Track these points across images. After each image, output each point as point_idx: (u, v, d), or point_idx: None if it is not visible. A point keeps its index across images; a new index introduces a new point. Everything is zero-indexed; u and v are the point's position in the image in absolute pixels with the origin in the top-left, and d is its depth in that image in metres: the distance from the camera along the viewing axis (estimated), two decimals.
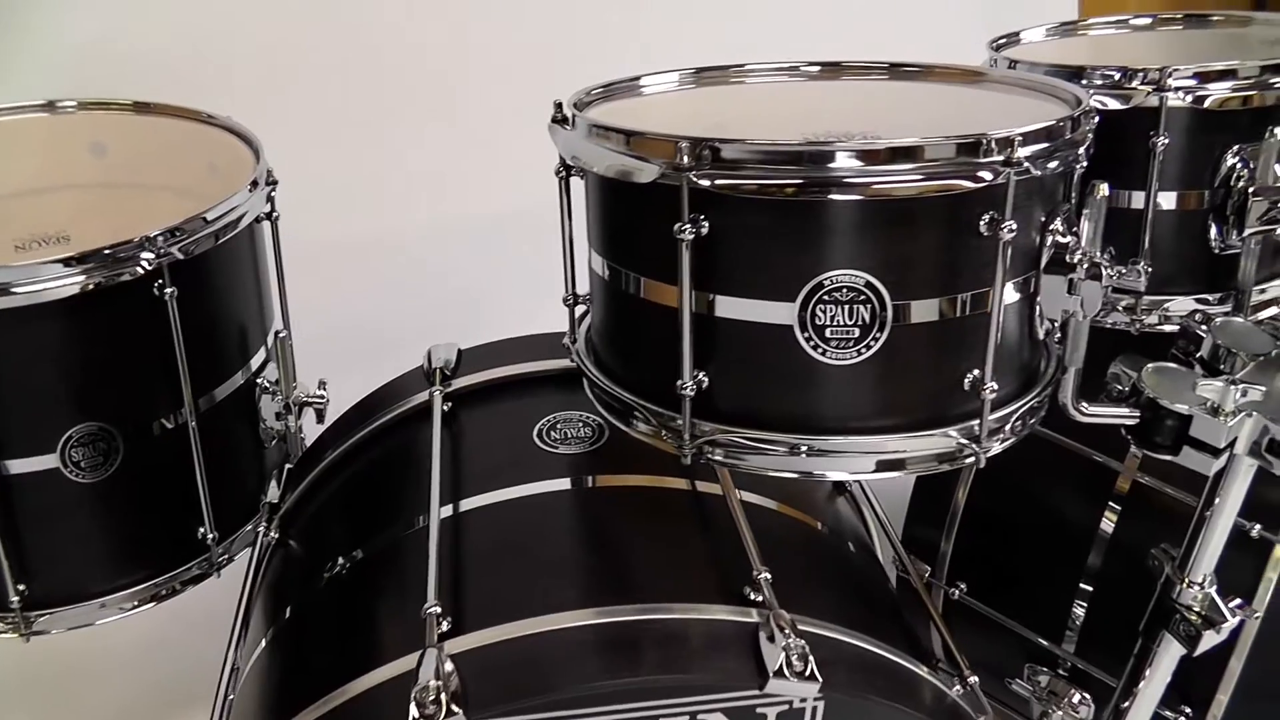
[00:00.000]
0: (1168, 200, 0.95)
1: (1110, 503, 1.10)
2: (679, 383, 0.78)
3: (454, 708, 0.69)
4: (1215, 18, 1.20)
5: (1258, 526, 1.02)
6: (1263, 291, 0.97)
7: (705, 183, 0.72)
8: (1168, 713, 1.06)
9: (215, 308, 1.05)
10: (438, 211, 1.89)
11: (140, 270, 0.93)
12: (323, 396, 1.16)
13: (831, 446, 0.78)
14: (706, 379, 0.78)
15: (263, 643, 0.93)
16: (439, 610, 0.77)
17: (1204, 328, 0.86)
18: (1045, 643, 1.15)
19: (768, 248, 0.75)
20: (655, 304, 0.80)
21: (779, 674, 0.74)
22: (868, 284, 0.74)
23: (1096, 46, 1.19)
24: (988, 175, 0.72)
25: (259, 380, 1.11)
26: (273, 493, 1.05)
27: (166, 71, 1.50)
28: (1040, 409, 0.85)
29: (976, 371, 0.77)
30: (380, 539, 0.93)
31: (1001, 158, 0.72)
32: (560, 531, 0.88)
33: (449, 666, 0.72)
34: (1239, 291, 0.96)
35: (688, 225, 0.74)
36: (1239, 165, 0.93)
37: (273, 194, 1.10)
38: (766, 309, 0.75)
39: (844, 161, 0.71)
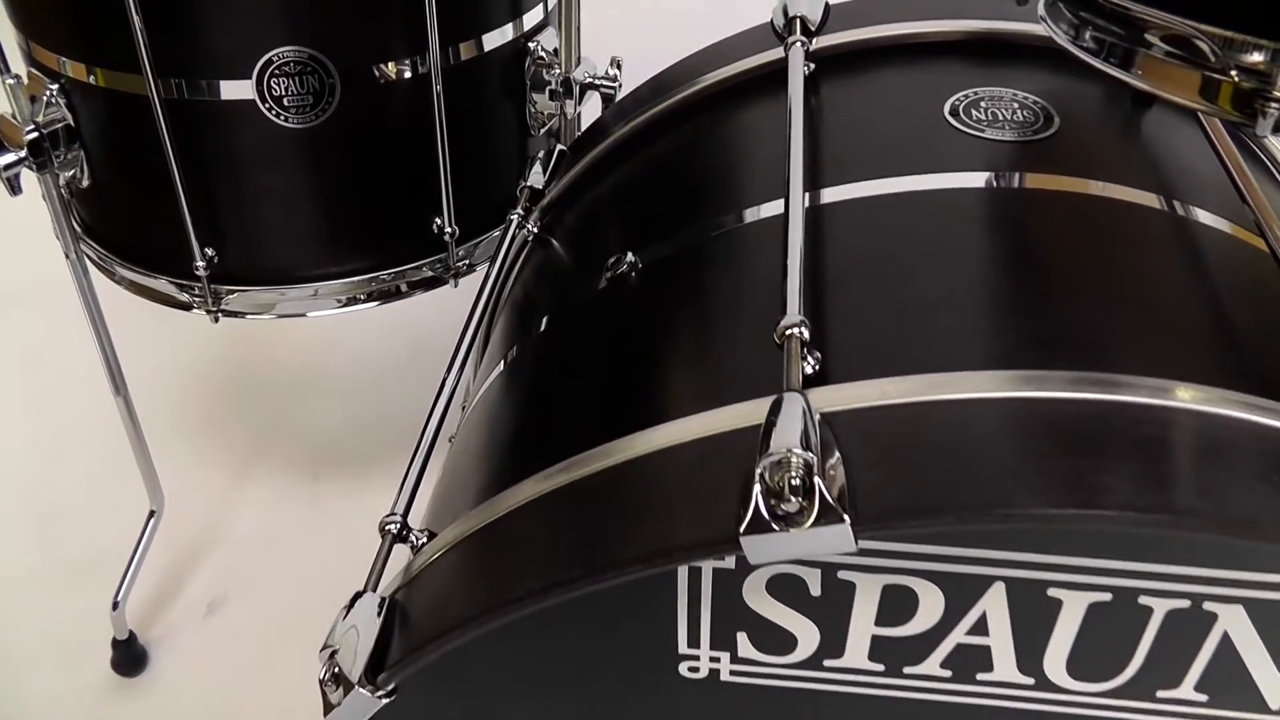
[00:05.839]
0: None
1: None
2: None
3: (838, 506, 0.37)
4: None
5: None
6: None
7: None
8: None
9: None
10: None
11: None
12: (614, 80, 0.87)
13: None
14: None
15: (501, 364, 0.66)
16: (804, 333, 0.45)
17: None
18: None
19: None
20: None
21: None
22: None
23: None
24: None
25: (530, 45, 0.83)
26: (535, 177, 0.77)
27: None
28: None
29: None
30: (691, 232, 0.61)
31: None
32: (969, 245, 0.54)
33: (823, 432, 0.40)
34: None
35: None
36: None
37: None
38: None
39: None
